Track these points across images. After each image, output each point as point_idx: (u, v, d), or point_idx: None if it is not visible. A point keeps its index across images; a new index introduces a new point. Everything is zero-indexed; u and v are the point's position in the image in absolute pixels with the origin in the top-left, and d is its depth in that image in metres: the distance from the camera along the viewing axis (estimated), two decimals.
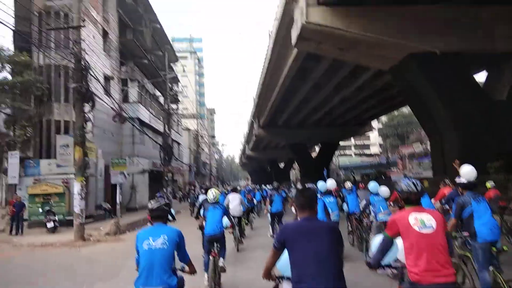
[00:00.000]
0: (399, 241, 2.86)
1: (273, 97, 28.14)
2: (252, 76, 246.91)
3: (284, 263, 2.68)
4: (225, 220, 6.20)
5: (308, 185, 7.50)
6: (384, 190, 7.61)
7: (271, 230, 11.00)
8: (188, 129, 55.04)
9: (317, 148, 49.45)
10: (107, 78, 21.47)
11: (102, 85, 17.52)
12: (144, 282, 3.03)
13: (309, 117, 34.96)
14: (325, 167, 32.65)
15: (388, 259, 3.01)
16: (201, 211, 6.87)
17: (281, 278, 2.86)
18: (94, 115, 18.89)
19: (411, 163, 46.96)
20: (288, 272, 2.65)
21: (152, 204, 3.47)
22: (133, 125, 22.55)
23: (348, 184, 9.45)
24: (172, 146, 28.29)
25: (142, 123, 25.22)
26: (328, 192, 7.98)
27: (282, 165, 72.20)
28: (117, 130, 23.49)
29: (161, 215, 3.43)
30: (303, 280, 2.41)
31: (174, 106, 38.13)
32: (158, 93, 33.08)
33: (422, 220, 2.73)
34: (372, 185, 7.55)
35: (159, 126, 27.01)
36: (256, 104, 34.78)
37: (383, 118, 60.27)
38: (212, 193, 6.38)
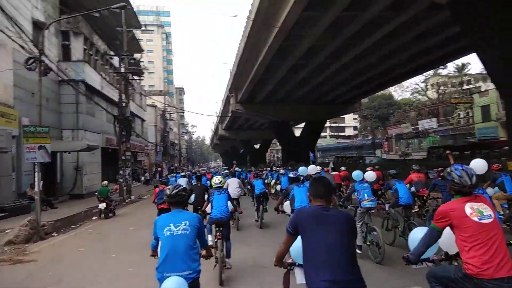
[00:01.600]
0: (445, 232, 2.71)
1: (254, 69, 24.39)
2: (227, 55, 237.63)
3: (297, 250, 2.60)
4: (229, 204, 6.39)
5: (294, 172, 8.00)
6: (370, 175, 7.55)
7: (256, 216, 10.82)
8: (154, 106, 49.41)
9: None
10: (37, 25, 16.00)
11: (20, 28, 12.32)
12: (169, 268, 2.98)
13: (293, 92, 30.96)
14: (311, 148, 28.70)
15: (429, 253, 2.84)
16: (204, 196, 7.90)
17: (293, 264, 2.84)
18: (14, 71, 13.71)
19: (398, 144, 44.10)
20: (300, 259, 2.59)
21: (171, 190, 3.35)
22: (74, 87, 17.31)
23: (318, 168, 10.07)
24: (132, 120, 23.04)
25: (90, 89, 19.89)
26: (308, 178, 7.94)
27: (257, 146, 68.18)
28: (55, 96, 18.12)
29: (180, 201, 3.34)
30: (314, 267, 2.31)
31: (136, 78, 32.65)
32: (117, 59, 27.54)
33: (479, 210, 2.58)
34: (356, 173, 7.34)
35: (115, 96, 21.75)
36: (234, 77, 30.34)
37: (363, 100, 57.48)
38: (218, 178, 6.71)
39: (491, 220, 2.54)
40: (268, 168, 23.44)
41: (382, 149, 45.51)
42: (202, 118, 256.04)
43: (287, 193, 6.66)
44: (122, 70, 21.34)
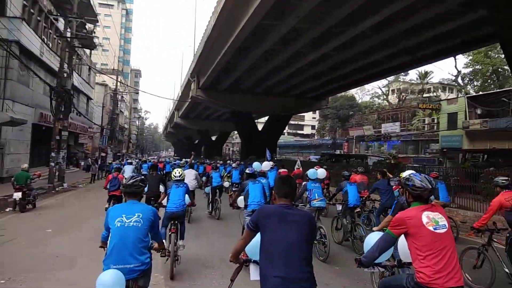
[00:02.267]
0: (400, 240, 2.81)
1: (223, 51, 21.88)
2: (190, 39, 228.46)
3: (253, 246, 2.63)
4: (186, 198, 6.22)
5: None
6: (321, 172, 7.87)
7: (210, 208, 10.93)
8: (105, 84, 44.71)
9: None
10: None
11: None
12: (116, 261, 2.87)
13: (262, 83, 28.80)
14: (273, 143, 26.86)
15: (382, 258, 2.89)
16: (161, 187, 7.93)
17: (249, 261, 2.83)
18: None
19: (358, 146, 43.58)
20: (255, 256, 2.65)
21: (127, 180, 3.29)
22: (3, 47, 13.63)
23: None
24: (74, 96, 19.35)
25: (26, 53, 16.17)
26: (261, 174, 7.94)
27: (213, 138, 65.18)
28: None
29: (136, 192, 3.26)
30: (270, 264, 2.35)
31: (86, 50, 28.48)
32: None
33: (435, 220, 2.59)
34: (311, 171, 7.32)
35: (56, 65, 18.00)
36: (198, 59, 27.46)
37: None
38: (178, 171, 6.44)
39: (445, 230, 2.57)
40: (221, 162, 22.31)
41: (342, 150, 44.81)
42: (156, 104, 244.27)
43: (242, 188, 6.74)
44: (68, 34, 17.69)
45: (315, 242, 6.34)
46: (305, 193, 7.18)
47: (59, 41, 20.04)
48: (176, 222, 5.78)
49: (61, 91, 15.64)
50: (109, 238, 2.99)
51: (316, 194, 6.90)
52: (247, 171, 7.59)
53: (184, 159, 27.10)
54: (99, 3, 68.76)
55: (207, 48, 23.64)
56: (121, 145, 58.64)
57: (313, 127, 78.02)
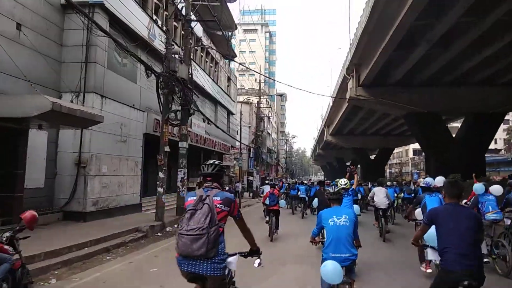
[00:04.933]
0: None
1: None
2: (333, 57, 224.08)
3: (430, 236, 3.66)
4: (355, 207, 7.28)
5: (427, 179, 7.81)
6: (496, 189, 7.40)
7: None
8: (249, 103, 41.69)
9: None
10: None
11: None
12: (334, 250, 3.79)
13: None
14: (478, 154, 17.03)
15: None
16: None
17: (426, 246, 4.00)
18: None
19: None
20: (431, 243, 3.79)
21: (332, 190, 4.97)
22: (83, 13, 9.10)
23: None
24: (194, 93, 13.95)
25: (123, 27, 11.66)
26: (436, 189, 7.39)
27: (348, 163, 58.64)
28: (56, 31, 10.29)
29: (338, 198, 4.31)
30: (447, 248, 3.14)
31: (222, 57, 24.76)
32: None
33: None
34: (477, 186, 7.31)
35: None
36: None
37: None
38: (344, 180, 7.34)
39: None
40: (395, 183, 21.54)
41: None
42: (303, 130, 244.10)
43: (419, 201, 6.93)
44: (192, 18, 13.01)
45: (494, 257, 6.50)
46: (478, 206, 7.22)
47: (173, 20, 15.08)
48: None
49: (168, 77, 10.47)
50: (326, 233, 4.00)
51: (489, 207, 6.95)
52: (422, 184, 7.70)
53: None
54: (244, 29, 70.12)
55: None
56: (269, 169, 55.06)
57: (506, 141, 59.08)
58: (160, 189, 10.76)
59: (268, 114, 50.98)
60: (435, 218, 3.33)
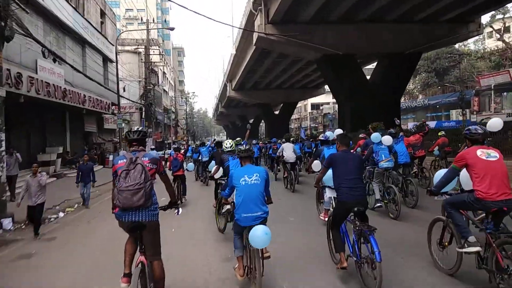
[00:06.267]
0: (462, 173, 3.88)
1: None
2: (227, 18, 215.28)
3: (327, 177, 4.63)
4: None
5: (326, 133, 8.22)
6: (386, 140, 7.63)
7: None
8: (138, 52, 34.99)
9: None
10: None
11: None
12: (245, 210, 3.82)
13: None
14: (395, 99, 15.94)
15: (448, 188, 4.05)
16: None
17: (324, 186, 5.45)
18: None
19: (499, 100, 29.54)
20: (328, 183, 5.03)
21: (242, 147, 4.24)
22: None
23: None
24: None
25: None
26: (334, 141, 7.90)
27: (251, 121, 66.50)
28: None
29: (249, 156, 4.19)
30: (341, 184, 4.08)
31: None
32: None
33: (487, 152, 3.64)
34: (375, 135, 7.68)
35: None
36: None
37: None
38: (229, 142, 6.73)
39: (496, 159, 3.60)
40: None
41: (472, 108, 31.04)
42: (204, 89, 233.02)
43: (318, 154, 7.26)
44: None
45: (385, 202, 7.25)
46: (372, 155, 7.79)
47: None
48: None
49: None
50: (235, 193, 3.98)
51: (382, 155, 7.41)
52: (320, 137, 8.44)
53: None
54: None
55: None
56: (167, 131, 49.45)
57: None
58: None
59: (163, 67, 44.65)
60: (333, 162, 4.24)
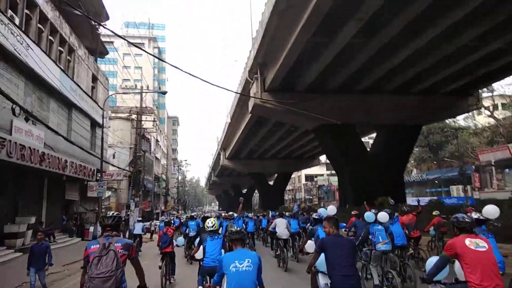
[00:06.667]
0: (456, 263, 3.72)
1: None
2: (225, 83, 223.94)
3: (320, 262, 4.40)
4: (223, 252, 5.76)
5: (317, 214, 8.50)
6: (382, 216, 7.26)
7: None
8: (130, 119, 34.58)
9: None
10: None
11: None
12: None
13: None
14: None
15: (441, 276, 3.85)
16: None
17: (317, 271, 5.01)
18: None
19: (502, 177, 28.61)
20: (321, 268, 4.74)
21: (233, 229, 4.44)
22: None
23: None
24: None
25: None
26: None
27: (244, 191, 67.00)
28: None
29: (241, 238, 3.94)
30: (335, 271, 3.87)
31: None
32: None
33: (475, 242, 3.48)
34: (368, 215, 7.35)
35: None
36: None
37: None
38: (211, 221, 5.92)
39: (485, 249, 3.44)
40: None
41: (472, 185, 29.98)
42: (198, 158, 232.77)
43: (312, 234, 6.97)
44: None
45: (385, 287, 6.67)
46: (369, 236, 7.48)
47: None
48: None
49: None
50: (226, 281, 3.63)
51: (380, 237, 6.92)
52: (314, 216, 8.18)
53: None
54: (129, 42, 62.01)
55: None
56: (156, 200, 47.36)
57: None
58: None
59: (156, 135, 44.16)
60: (324, 246, 4.08)
